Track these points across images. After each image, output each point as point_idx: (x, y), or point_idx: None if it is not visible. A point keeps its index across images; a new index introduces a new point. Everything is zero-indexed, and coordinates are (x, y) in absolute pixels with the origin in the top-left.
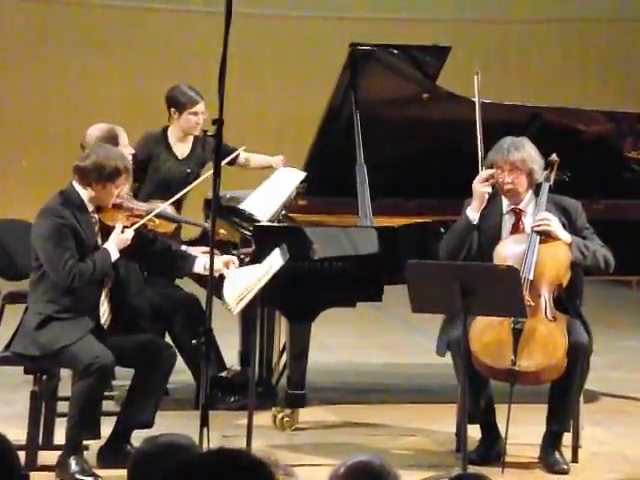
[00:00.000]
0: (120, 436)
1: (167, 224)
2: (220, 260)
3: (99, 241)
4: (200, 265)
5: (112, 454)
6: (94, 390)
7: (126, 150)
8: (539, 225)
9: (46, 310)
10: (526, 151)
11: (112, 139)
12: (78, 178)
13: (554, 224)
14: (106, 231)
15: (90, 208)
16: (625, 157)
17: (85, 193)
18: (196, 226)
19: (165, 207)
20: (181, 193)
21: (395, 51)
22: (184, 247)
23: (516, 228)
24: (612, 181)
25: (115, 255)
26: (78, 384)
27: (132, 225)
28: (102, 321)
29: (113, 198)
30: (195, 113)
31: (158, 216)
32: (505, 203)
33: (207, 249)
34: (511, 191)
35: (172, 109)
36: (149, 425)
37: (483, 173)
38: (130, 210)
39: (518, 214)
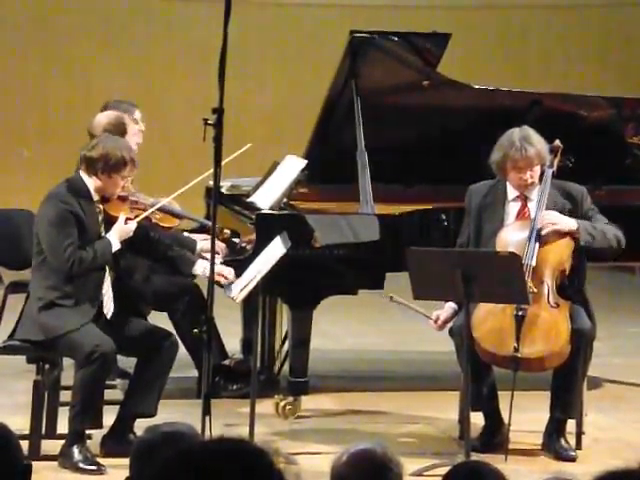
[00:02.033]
0: (123, 425)
1: (170, 219)
2: (219, 270)
3: (102, 231)
4: (199, 268)
5: (115, 443)
6: (96, 378)
7: (134, 139)
8: (547, 228)
9: (47, 295)
10: (538, 142)
11: (120, 127)
12: (85, 167)
13: (558, 220)
14: (109, 222)
15: (95, 198)
16: (627, 143)
17: (91, 182)
18: (197, 222)
19: (168, 201)
20: (185, 188)
21: (395, 38)
22: (185, 234)
23: (522, 215)
24: (614, 167)
25: (116, 246)
26: (80, 372)
27: (135, 217)
28: (105, 311)
29: (119, 189)
30: None
31: (161, 210)
32: (510, 190)
33: (207, 236)
34: (531, 185)
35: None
36: (151, 414)
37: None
38: (135, 203)
39: (523, 200)
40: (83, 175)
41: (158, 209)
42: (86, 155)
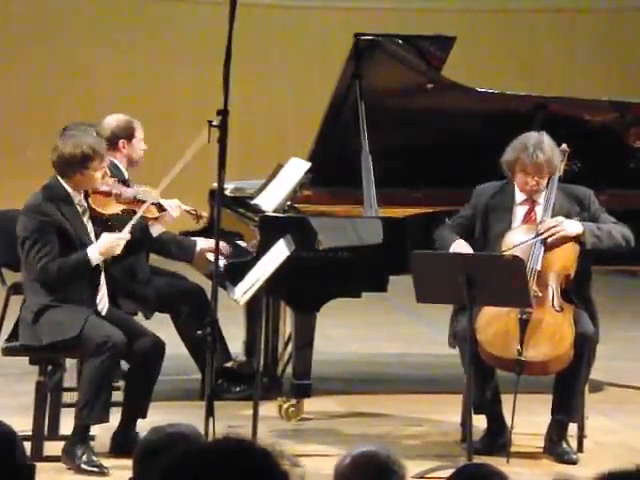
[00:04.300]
0: (126, 424)
1: (154, 209)
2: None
3: (89, 227)
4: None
5: (119, 442)
6: (105, 368)
7: (140, 145)
8: (551, 235)
9: (43, 300)
10: (550, 150)
11: (128, 131)
12: (57, 171)
13: (563, 226)
14: (97, 218)
15: (76, 199)
16: (630, 146)
17: (68, 183)
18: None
19: (145, 190)
20: (171, 175)
21: (400, 41)
22: (180, 238)
23: (528, 218)
24: (617, 171)
25: (95, 261)
26: (88, 362)
27: (124, 212)
28: (100, 308)
29: (97, 181)
30: None
31: (144, 201)
32: (518, 193)
33: (205, 240)
34: (535, 191)
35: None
36: (143, 417)
37: None
38: (119, 196)
39: (531, 204)
40: (59, 178)
41: (143, 201)
42: (53, 160)
